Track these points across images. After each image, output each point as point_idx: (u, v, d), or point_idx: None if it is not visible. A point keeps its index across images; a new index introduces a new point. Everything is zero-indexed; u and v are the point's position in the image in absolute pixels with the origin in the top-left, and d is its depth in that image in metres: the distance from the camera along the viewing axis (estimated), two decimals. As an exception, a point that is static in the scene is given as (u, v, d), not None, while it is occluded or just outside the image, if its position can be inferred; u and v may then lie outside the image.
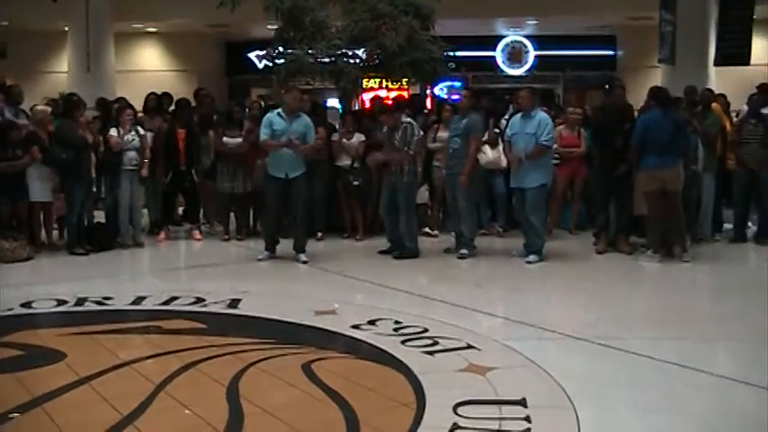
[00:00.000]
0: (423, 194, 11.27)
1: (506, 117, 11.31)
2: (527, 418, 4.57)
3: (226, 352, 5.91)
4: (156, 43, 21.41)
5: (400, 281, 8.60)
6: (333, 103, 15.35)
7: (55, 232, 10.88)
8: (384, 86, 14.43)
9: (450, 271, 9.47)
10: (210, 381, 5.31)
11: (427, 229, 11.35)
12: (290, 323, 6.80)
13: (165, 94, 12.65)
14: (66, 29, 17.87)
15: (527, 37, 21.23)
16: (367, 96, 16.65)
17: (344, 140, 11.17)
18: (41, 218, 10.52)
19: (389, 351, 5.92)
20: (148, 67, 20.95)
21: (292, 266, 9.55)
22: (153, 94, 12.41)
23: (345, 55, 12.50)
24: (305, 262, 9.59)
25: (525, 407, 4.75)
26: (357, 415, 4.65)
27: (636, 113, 10.41)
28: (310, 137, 9.76)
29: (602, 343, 6.19)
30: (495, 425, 4.49)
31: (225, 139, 11.06)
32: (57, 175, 10.18)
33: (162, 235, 11.31)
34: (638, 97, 11.27)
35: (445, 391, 5.02)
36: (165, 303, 7.51)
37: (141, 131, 10.78)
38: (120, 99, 12.50)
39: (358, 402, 4.83)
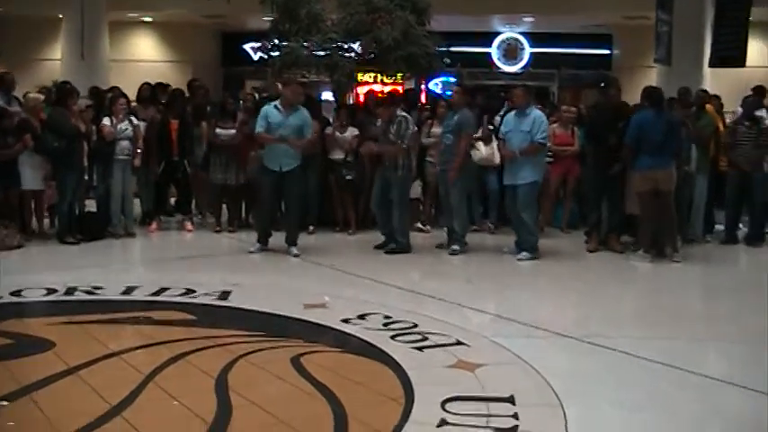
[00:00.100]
0: (415, 190, 11.27)
1: (501, 114, 11.30)
2: (515, 415, 4.58)
3: (215, 344, 5.92)
4: (152, 33, 21.36)
5: (391, 276, 8.59)
6: (327, 96, 15.33)
7: (46, 221, 10.87)
8: (379, 80, 14.40)
9: (442, 267, 9.48)
10: (199, 372, 5.31)
11: (419, 225, 11.35)
12: (280, 316, 6.80)
13: (160, 84, 12.61)
14: (61, 16, 17.82)
15: (523, 34, 21.23)
16: (361, 90, 16.64)
17: (338, 134, 11.16)
18: (32, 206, 10.50)
19: (379, 346, 5.92)
20: (143, 56, 20.90)
21: (284, 259, 9.54)
22: (147, 83, 12.37)
23: (340, 48, 12.49)
24: (296, 255, 9.58)
25: (513, 404, 4.76)
26: (345, 409, 4.66)
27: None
28: (307, 131, 9.73)
29: (591, 341, 6.20)
30: (482, 421, 4.50)
31: (218, 130, 11.05)
32: (48, 163, 10.16)
33: (153, 225, 11.28)
34: (633, 97, 11.29)
35: (433, 386, 5.02)
36: (156, 294, 7.50)
37: (135, 121, 10.76)
38: (114, 88, 12.47)
39: (346, 396, 4.84)
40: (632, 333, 6.67)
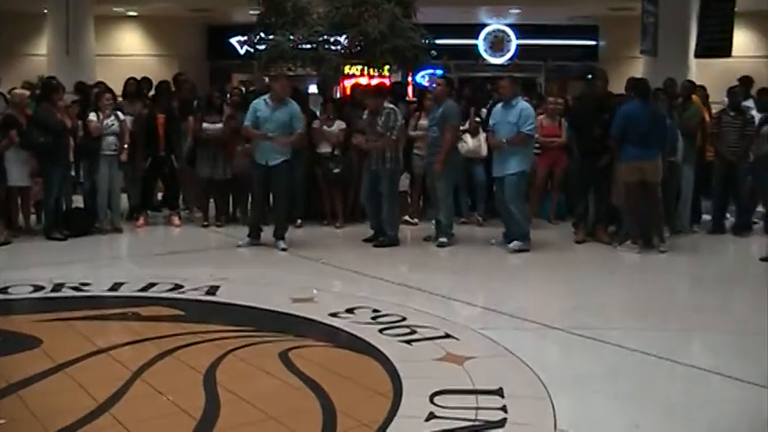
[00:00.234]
0: (403, 182, 11.26)
1: (487, 106, 11.31)
2: (503, 408, 4.58)
3: (203, 339, 5.89)
4: (137, 27, 21.29)
5: (379, 269, 8.58)
6: (314, 89, 15.29)
7: (32, 217, 10.81)
8: (366, 74, 14.39)
9: (430, 259, 9.48)
10: (187, 368, 5.30)
11: (407, 218, 11.35)
12: (268, 311, 6.79)
13: (145, 78, 12.57)
14: (46, 12, 17.72)
15: (509, 26, 21.23)
16: (348, 84, 16.60)
17: (325, 128, 11.13)
18: (19, 202, 10.45)
19: (367, 339, 5.92)
20: (129, 51, 20.83)
21: (271, 253, 9.52)
22: (132, 78, 12.32)
23: (327, 42, 12.46)
24: (284, 249, 9.57)
25: (502, 396, 4.76)
26: (334, 403, 4.65)
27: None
28: (297, 125, 9.69)
29: (580, 333, 6.22)
30: (471, 414, 4.50)
31: (204, 124, 11.01)
32: (35, 159, 10.10)
33: (141, 220, 11.23)
34: (620, 88, 11.29)
35: (422, 380, 5.02)
36: (143, 290, 7.48)
37: (121, 116, 10.73)
38: (100, 83, 12.43)
39: (335, 391, 4.83)
40: (621, 324, 6.68)
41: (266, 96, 9.75)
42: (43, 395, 4.81)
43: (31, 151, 10.03)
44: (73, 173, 10.91)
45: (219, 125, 10.98)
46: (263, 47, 12.82)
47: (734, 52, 15.22)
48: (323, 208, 11.38)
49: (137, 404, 4.67)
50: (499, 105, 9.93)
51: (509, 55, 21.31)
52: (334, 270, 8.71)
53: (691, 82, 12.10)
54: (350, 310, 6.72)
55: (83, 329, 6.21)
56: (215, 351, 5.59)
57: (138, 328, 6.29)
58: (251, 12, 13.55)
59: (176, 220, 11.32)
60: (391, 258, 9.40)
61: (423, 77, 18.47)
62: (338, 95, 14.43)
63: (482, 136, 11.18)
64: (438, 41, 13.73)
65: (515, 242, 9.58)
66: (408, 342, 5.88)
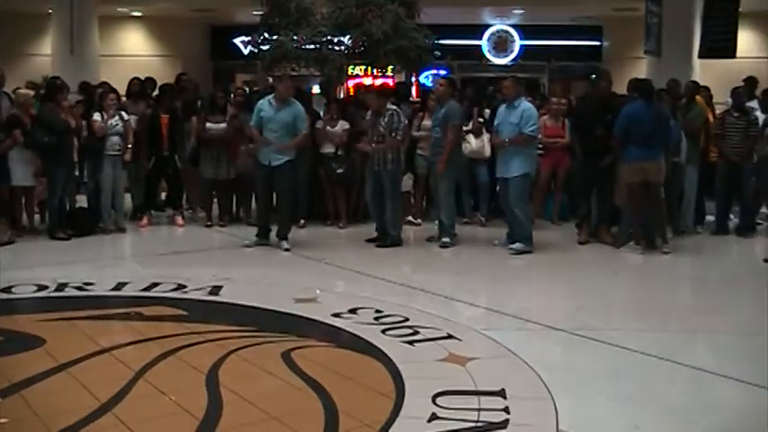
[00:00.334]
0: (406, 183, 11.27)
1: (490, 107, 11.33)
2: (506, 409, 4.58)
3: (206, 339, 5.90)
4: (141, 27, 21.31)
5: (382, 269, 8.59)
6: (317, 89, 15.30)
7: (36, 216, 10.82)
8: (369, 74, 14.40)
9: (433, 260, 9.48)
10: (190, 368, 5.31)
11: (410, 218, 11.35)
12: (271, 311, 6.80)
13: (149, 78, 12.58)
14: (50, 12, 17.75)
15: (513, 26, 21.22)
16: (352, 84, 16.61)
17: (328, 128, 11.14)
18: (23, 202, 10.46)
19: (370, 340, 5.92)
20: (133, 51, 20.84)
21: (274, 254, 9.53)
22: (136, 78, 12.33)
23: (330, 42, 12.47)
24: (287, 249, 9.57)
25: (504, 398, 4.76)
26: (336, 404, 4.65)
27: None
28: (300, 126, 9.70)
29: (582, 334, 6.22)
30: (473, 415, 4.50)
31: (208, 124, 11.02)
32: (39, 158, 10.11)
33: (144, 220, 11.25)
34: (623, 88, 11.29)
35: (424, 380, 5.03)
36: (147, 289, 7.49)
37: (125, 116, 10.74)
38: (104, 83, 12.43)
39: (337, 391, 4.84)
40: (623, 325, 6.69)
41: (270, 97, 9.77)
42: (46, 395, 4.82)
43: (35, 151, 10.04)
44: (77, 173, 10.93)
45: (223, 125, 11.00)
46: (266, 47, 12.83)
47: (738, 53, 15.19)
48: (326, 208, 11.39)
49: (139, 404, 4.68)
50: (503, 106, 9.93)
51: (513, 55, 21.30)
52: (337, 270, 8.71)
53: (694, 82, 12.08)
54: (353, 311, 6.72)
55: (86, 329, 6.22)
56: (218, 351, 5.60)
57: (141, 328, 6.30)
58: (254, 12, 13.56)
59: (180, 220, 11.33)
60: (394, 259, 9.40)
61: (427, 78, 18.46)
62: (342, 96, 14.43)
63: (485, 136, 11.18)
64: (441, 42, 13.72)
65: (517, 244, 9.56)
66: (411, 343, 5.88)
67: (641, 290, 8.18)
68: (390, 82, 14.51)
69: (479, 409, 4.58)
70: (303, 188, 11.06)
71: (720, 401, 5.04)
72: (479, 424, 4.40)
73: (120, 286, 7.60)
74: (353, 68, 14.73)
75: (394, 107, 10.18)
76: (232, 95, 11.93)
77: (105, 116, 10.49)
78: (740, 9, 15.15)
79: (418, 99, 13.11)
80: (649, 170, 9.39)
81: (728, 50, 15.11)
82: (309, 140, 10.65)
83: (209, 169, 11.06)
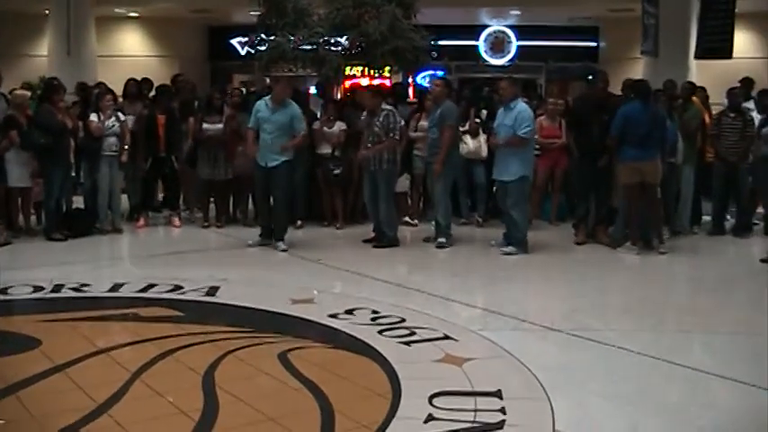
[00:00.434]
0: (403, 184, 11.28)
1: (486, 108, 11.35)
2: (502, 410, 4.59)
3: (202, 340, 5.90)
4: (138, 28, 21.26)
5: (379, 270, 8.59)
6: (313, 90, 15.30)
7: (33, 217, 10.80)
8: (367, 75, 14.38)
9: (429, 260, 9.48)
10: (186, 369, 5.31)
11: (407, 219, 11.35)
12: (268, 312, 6.80)
13: (146, 79, 12.57)
14: (47, 12, 17.72)
15: (510, 27, 21.23)
16: (348, 84, 16.60)
17: (325, 129, 11.13)
18: (19, 203, 10.45)
19: (366, 341, 5.93)
20: (130, 51, 20.79)
21: (271, 254, 9.52)
22: (133, 79, 12.32)
23: (327, 43, 12.46)
24: (284, 250, 9.57)
25: (501, 398, 4.77)
26: (332, 404, 4.66)
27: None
28: (298, 126, 9.72)
29: (579, 334, 6.22)
30: (469, 416, 4.51)
31: (205, 125, 11.02)
32: (35, 159, 10.11)
33: (141, 221, 11.23)
34: (620, 89, 11.31)
35: (421, 381, 5.03)
36: (143, 290, 7.48)
37: (122, 117, 10.74)
38: (100, 84, 12.42)
39: (333, 392, 4.84)
40: (620, 326, 6.69)
41: (267, 98, 9.79)
42: (42, 396, 4.82)
43: (31, 152, 10.04)
44: (73, 173, 10.92)
45: (220, 126, 10.99)
46: (263, 48, 12.81)
47: (734, 53, 15.19)
48: (323, 209, 11.38)
49: (136, 405, 4.68)
50: (502, 108, 9.92)
51: (509, 56, 21.31)
52: (333, 271, 8.71)
53: (691, 83, 12.09)
54: (349, 312, 6.72)
55: (82, 330, 6.23)
56: (214, 352, 5.60)
57: (138, 329, 6.30)
58: (252, 13, 13.54)
59: (177, 221, 11.32)
60: (391, 259, 9.40)
61: (424, 78, 18.46)
62: (339, 96, 14.42)
63: (482, 137, 11.19)
64: (439, 42, 13.72)
65: (510, 247, 9.55)
66: (407, 343, 5.89)
67: (638, 290, 8.18)
68: (387, 83, 14.50)
69: (476, 410, 4.59)
70: (300, 189, 11.07)
71: (717, 402, 5.05)
72: (476, 425, 4.41)
73: (116, 287, 7.59)
74: (350, 69, 14.70)
75: (389, 107, 10.18)
76: (229, 96, 11.92)
77: (102, 117, 10.48)
78: (736, 10, 15.14)
79: (415, 100, 13.08)
80: (646, 170, 9.40)
81: (725, 51, 15.10)
82: (307, 140, 10.65)
83: (206, 170, 11.05)
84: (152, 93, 12.10)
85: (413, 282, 8.13)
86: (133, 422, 4.41)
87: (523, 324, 6.58)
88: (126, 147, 10.74)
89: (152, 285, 7.62)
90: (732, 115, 10.86)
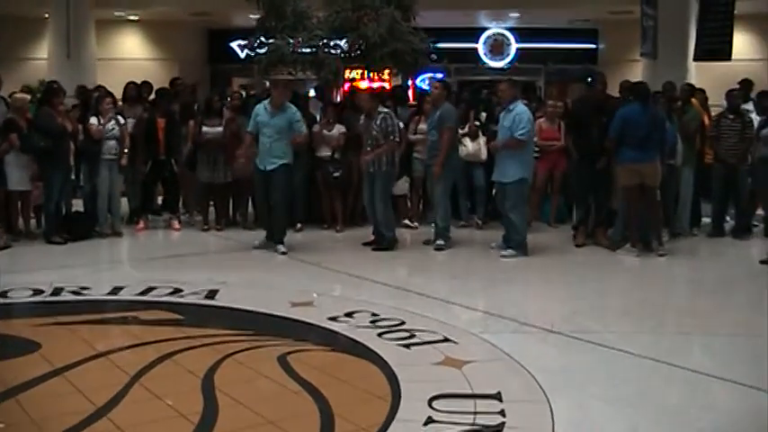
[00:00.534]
0: (403, 186, 11.29)
1: (486, 111, 11.34)
2: (502, 412, 4.58)
3: (202, 343, 5.90)
4: (138, 31, 21.25)
5: (378, 272, 8.59)
6: (312, 93, 15.30)
7: (33, 221, 10.79)
8: (366, 77, 14.39)
9: (429, 263, 9.49)
10: (186, 372, 5.30)
11: (407, 221, 11.35)
12: (267, 315, 6.80)
13: (145, 82, 12.57)
14: (47, 15, 17.73)
15: (509, 29, 21.24)
16: (347, 86, 16.60)
17: (325, 131, 11.14)
18: (19, 206, 10.44)
19: (366, 343, 5.92)
20: (130, 55, 20.78)
21: (271, 257, 9.52)
22: (132, 82, 12.32)
23: (327, 45, 12.47)
24: (284, 253, 9.57)
25: (500, 401, 4.76)
26: (332, 407, 4.66)
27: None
28: (298, 128, 9.74)
29: (579, 337, 6.22)
30: (469, 419, 4.50)
31: (204, 128, 11.02)
32: (35, 163, 10.11)
33: (141, 224, 11.25)
34: (617, 91, 11.32)
35: (420, 384, 5.03)
36: (143, 294, 7.48)
37: (121, 120, 10.74)
38: (100, 87, 12.43)
39: (333, 395, 4.84)
40: (620, 328, 6.68)
41: (266, 102, 9.81)
42: (42, 399, 4.82)
43: (31, 155, 10.04)
44: (73, 177, 10.92)
45: (219, 129, 11.00)
46: (263, 51, 12.82)
47: (733, 55, 15.20)
48: (323, 212, 11.39)
49: (135, 408, 4.67)
50: (503, 111, 9.92)
51: (509, 58, 21.31)
52: (333, 274, 8.71)
53: (690, 85, 12.10)
54: (349, 314, 6.72)
55: (82, 333, 6.23)
56: (214, 355, 5.59)
57: (138, 332, 6.30)
58: (251, 16, 13.55)
59: (176, 224, 11.32)
60: (390, 262, 9.40)
61: (423, 81, 18.47)
62: (339, 99, 14.43)
63: (481, 139, 11.20)
64: (438, 45, 13.73)
65: (509, 250, 9.54)
66: (407, 346, 5.89)
67: (638, 292, 8.17)
68: (387, 85, 14.51)
69: (475, 413, 4.58)
70: (300, 192, 11.07)
71: (717, 404, 5.05)
72: (475, 427, 4.41)
73: (116, 290, 7.59)
74: (350, 72, 14.71)
75: (386, 110, 10.19)
76: (228, 99, 11.92)
77: (102, 120, 10.48)
78: (736, 11, 15.15)
79: (415, 103, 13.09)
80: (645, 172, 9.41)
81: (724, 53, 15.11)
82: (307, 142, 10.64)
83: (205, 173, 11.06)
84: (152, 96, 12.11)
85: (412, 284, 8.13)
86: (132, 425, 4.41)
87: (523, 326, 6.58)
88: (126, 150, 10.73)
89: (151, 288, 7.61)
90: (731, 117, 10.86)
